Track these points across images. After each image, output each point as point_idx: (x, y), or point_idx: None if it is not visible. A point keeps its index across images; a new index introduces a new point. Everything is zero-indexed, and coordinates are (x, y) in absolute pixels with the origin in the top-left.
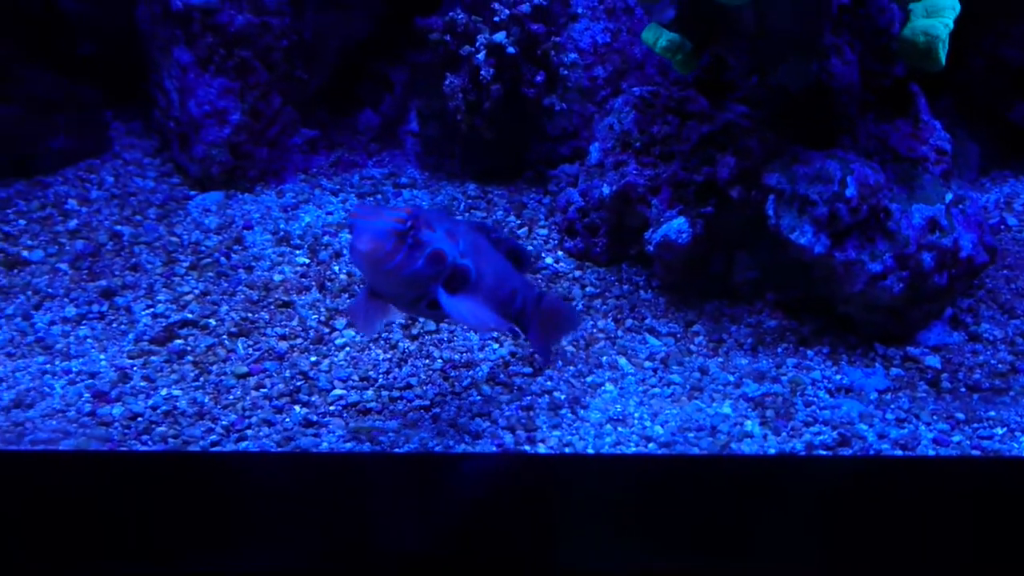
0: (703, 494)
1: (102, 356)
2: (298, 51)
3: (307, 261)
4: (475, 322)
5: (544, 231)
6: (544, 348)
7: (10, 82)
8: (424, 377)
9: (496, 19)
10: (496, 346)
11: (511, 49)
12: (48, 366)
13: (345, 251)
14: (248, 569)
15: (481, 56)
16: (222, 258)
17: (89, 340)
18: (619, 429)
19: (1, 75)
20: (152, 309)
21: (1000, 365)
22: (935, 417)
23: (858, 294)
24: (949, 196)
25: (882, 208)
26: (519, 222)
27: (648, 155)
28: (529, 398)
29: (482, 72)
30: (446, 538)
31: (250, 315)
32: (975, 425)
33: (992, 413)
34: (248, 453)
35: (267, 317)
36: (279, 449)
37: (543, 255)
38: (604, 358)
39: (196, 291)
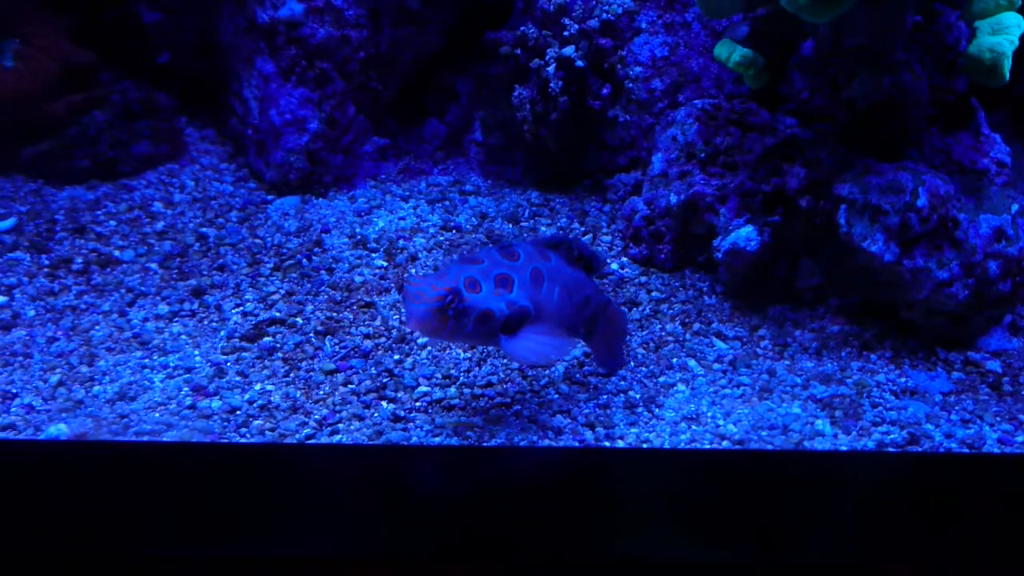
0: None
1: (196, 352)
2: (373, 63)
3: (385, 264)
4: (536, 359)
5: (608, 238)
6: (605, 354)
7: (98, 89)
8: (503, 376)
9: (565, 33)
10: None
11: (580, 63)
12: (146, 361)
13: (421, 255)
14: (332, 554)
15: (551, 69)
16: (304, 260)
17: (183, 336)
18: (693, 427)
19: (90, 82)
20: (241, 308)
21: None
22: (998, 418)
23: (923, 300)
24: (1015, 207)
25: (951, 218)
26: (583, 229)
27: (714, 165)
28: (605, 397)
29: (551, 84)
30: (526, 527)
31: (334, 315)
32: None
33: None
34: (335, 445)
35: (351, 317)
36: (370, 443)
37: (608, 261)
38: (675, 360)
39: (282, 291)
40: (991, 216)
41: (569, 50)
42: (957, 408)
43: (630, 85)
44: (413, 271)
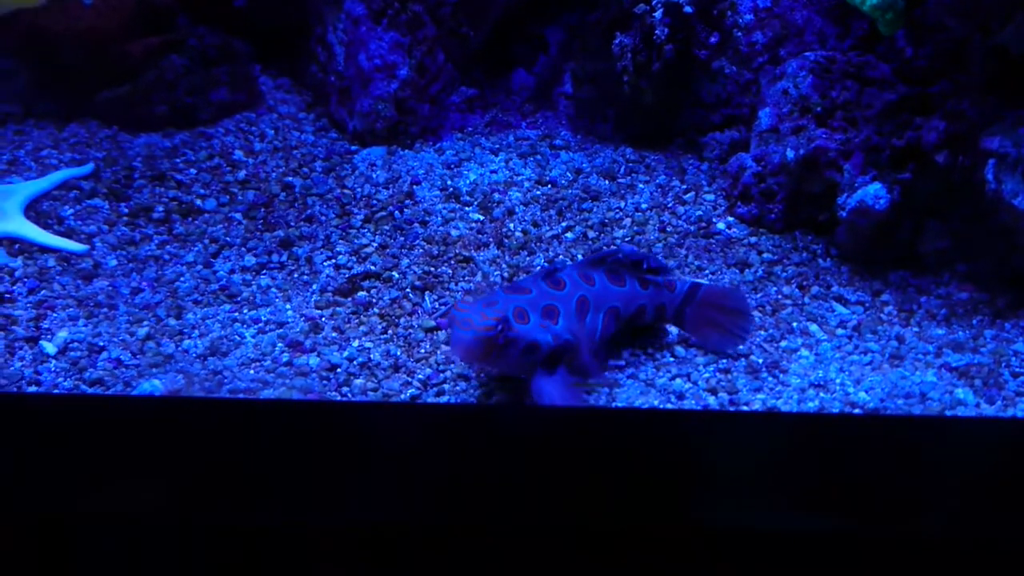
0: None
1: (288, 306)
2: (465, 7)
3: (481, 218)
4: (550, 403)
5: (711, 196)
6: (710, 340)
7: (175, 32)
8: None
9: None
10: None
11: (688, 8)
12: (236, 314)
13: (518, 209)
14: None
15: (658, 15)
16: (396, 212)
17: (272, 289)
18: (821, 395)
19: (167, 25)
20: (333, 260)
21: None
22: None
23: None
24: None
25: None
26: (684, 187)
27: (833, 119)
28: (725, 361)
29: (656, 31)
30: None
31: (432, 269)
32: None
33: None
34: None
35: (449, 272)
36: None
37: (714, 220)
38: (795, 324)
39: (375, 244)
40: None
41: None
42: None
43: (739, 34)
44: (511, 225)
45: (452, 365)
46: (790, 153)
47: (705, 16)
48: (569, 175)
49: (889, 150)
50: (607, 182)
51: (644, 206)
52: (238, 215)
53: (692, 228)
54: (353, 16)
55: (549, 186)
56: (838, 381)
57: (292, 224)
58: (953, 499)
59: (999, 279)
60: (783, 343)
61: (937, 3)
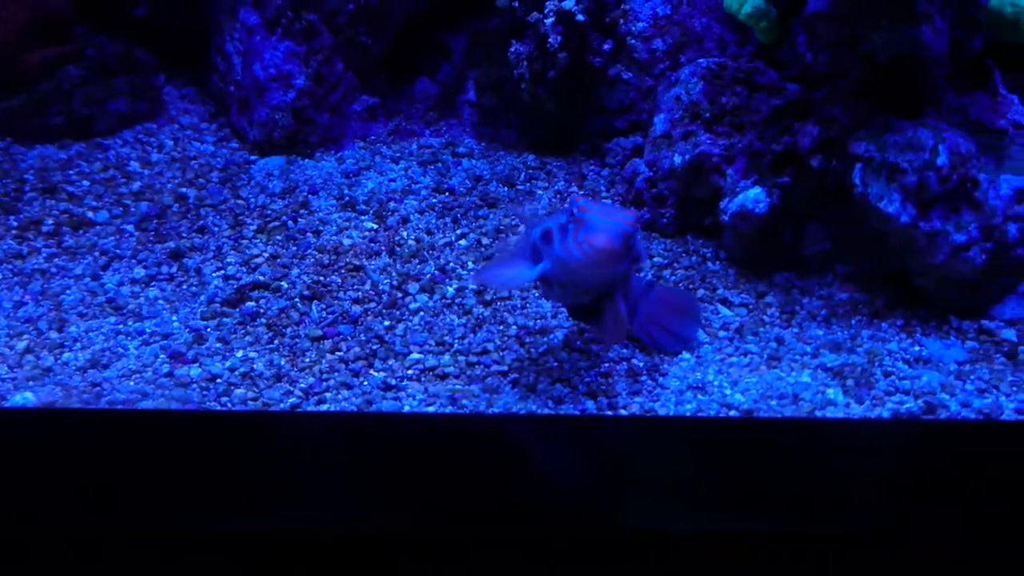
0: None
1: (174, 317)
2: (363, 16)
3: (375, 227)
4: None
5: (607, 202)
6: (658, 339)
7: (73, 43)
8: (500, 343)
9: None
10: None
11: (580, 16)
12: (121, 326)
13: (413, 217)
14: (315, 527)
15: (549, 22)
16: (289, 222)
17: (160, 301)
18: (699, 397)
19: (64, 35)
20: (222, 271)
21: None
22: (1014, 388)
23: (938, 266)
24: None
25: (971, 178)
26: (581, 192)
27: (720, 125)
28: (607, 365)
29: (550, 39)
30: (516, 498)
31: (322, 279)
32: None
33: None
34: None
35: (339, 281)
36: (359, 411)
37: None
38: None
39: (266, 254)
40: (1012, 177)
41: (569, 3)
42: (972, 377)
43: (632, 42)
44: (404, 234)
45: (336, 374)
46: (678, 159)
47: (598, 24)
48: (468, 183)
49: (770, 155)
50: (506, 189)
51: (541, 212)
52: (130, 227)
53: None
54: (247, 26)
55: (447, 194)
56: (716, 383)
57: (184, 235)
58: (828, 498)
59: (877, 280)
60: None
61: (814, 11)
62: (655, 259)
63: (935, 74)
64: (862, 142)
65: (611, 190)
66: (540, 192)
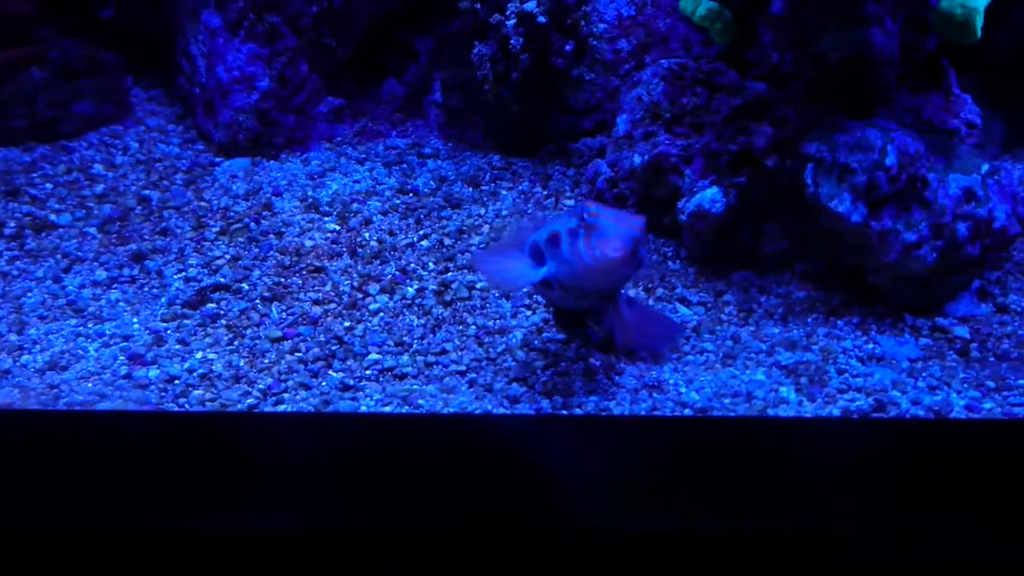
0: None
1: (135, 319)
2: (327, 18)
3: (337, 228)
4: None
5: (571, 202)
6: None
7: (37, 45)
8: (459, 343)
9: None
10: (529, 313)
11: (541, 18)
12: (81, 329)
13: (376, 218)
14: (272, 528)
15: (511, 24)
16: (252, 223)
17: (121, 303)
18: (655, 395)
19: (28, 37)
20: (184, 273)
21: None
22: (966, 385)
23: (891, 264)
24: (985, 167)
25: (920, 177)
26: (545, 193)
27: (679, 126)
28: (564, 364)
29: (511, 41)
30: (470, 500)
31: (282, 280)
32: (1005, 393)
33: (1022, 381)
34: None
35: (300, 282)
36: (317, 411)
37: None
38: None
39: (227, 256)
40: (960, 176)
41: (530, 5)
42: (924, 375)
43: (594, 43)
44: (366, 235)
45: (295, 375)
46: (638, 159)
47: (559, 26)
48: (433, 183)
49: (726, 155)
50: (471, 190)
51: (505, 213)
52: (92, 229)
53: None
54: (210, 28)
55: (411, 195)
56: (672, 382)
57: (146, 237)
58: (776, 496)
59: (834, 278)
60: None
61: (767, 13)
62: None
63: (886, 75)
64: (814, 142)
65: (575, 189)
66: (504, 192)
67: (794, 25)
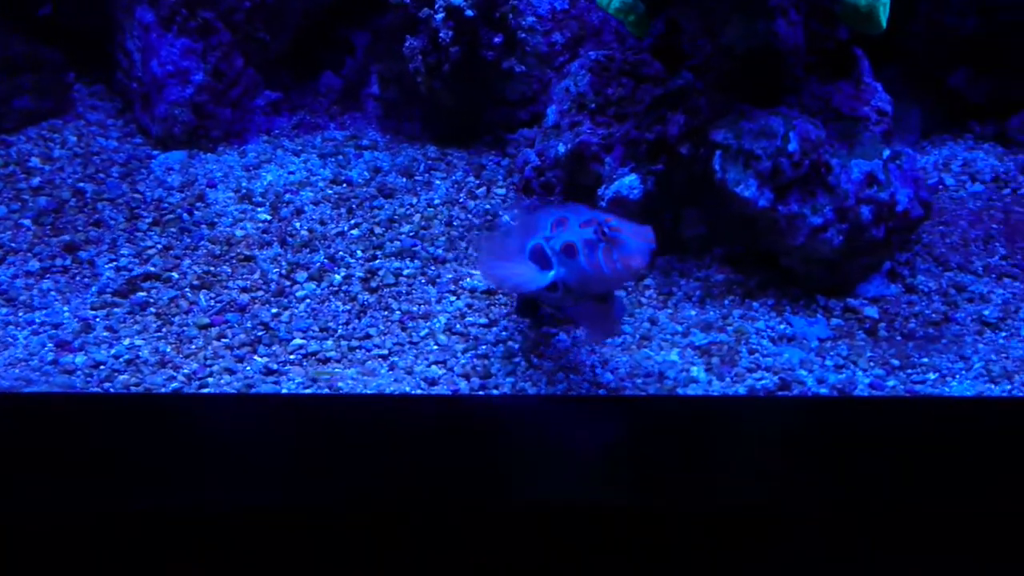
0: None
1: (65, 308)
2: (260, 13)
3: (269, 218)
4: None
5: (502, 191)
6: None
7: None
8: (383, 328)
9: None
10: (453, 298)
11: (469, 12)
12: (11, 317)
13: (307, 208)
14: (209, 505)
15: (440, 18)
16: (184, 215)
17: (52, 293)
18: (571, 376)
19: None
20: (115, 263)
21: (934, 315)
22: (872, 363)
23: (800, 247)
24: (887, 152)
25: (823, 163)
26: (478, 182)
27: (603, 116)
28: (485, 347)
29: (441, 34)
30: (397, 476)
31: (212, 269)
32: (909, 371)
33: (925, 360)
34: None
35: (229, 271)
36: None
37: (500, 213)
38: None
39: (159, 246)
40: (862, 161)
41: None
42: (832, 354)
43: (524, 36)
44: (297, 224)
45: (220, 360)
46: (562, 147)
47: (488, 19)
48: (367, 174)
49: (644, 144)
50: (404, 180)
51: (436, 202)
52: (27, 221)
53: (478, 221)
54: (144, 23)
55: (344, 185)
56: (588, 363)
57: (80, 229)
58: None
59: (751, 261)
60: (543, 328)
61: (678, 5)
62: None
63: (792, 64)
64: (721, 130)
65: (507, 179)
66: (438, 182)
67: (704, 17)
